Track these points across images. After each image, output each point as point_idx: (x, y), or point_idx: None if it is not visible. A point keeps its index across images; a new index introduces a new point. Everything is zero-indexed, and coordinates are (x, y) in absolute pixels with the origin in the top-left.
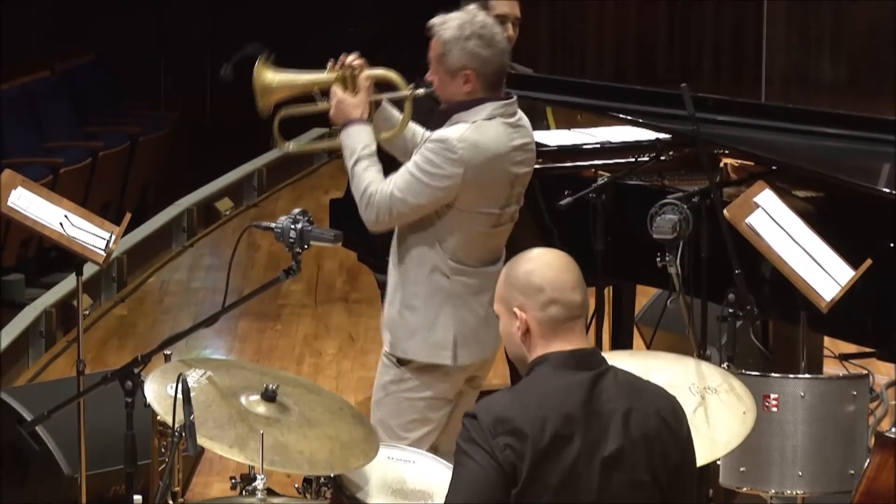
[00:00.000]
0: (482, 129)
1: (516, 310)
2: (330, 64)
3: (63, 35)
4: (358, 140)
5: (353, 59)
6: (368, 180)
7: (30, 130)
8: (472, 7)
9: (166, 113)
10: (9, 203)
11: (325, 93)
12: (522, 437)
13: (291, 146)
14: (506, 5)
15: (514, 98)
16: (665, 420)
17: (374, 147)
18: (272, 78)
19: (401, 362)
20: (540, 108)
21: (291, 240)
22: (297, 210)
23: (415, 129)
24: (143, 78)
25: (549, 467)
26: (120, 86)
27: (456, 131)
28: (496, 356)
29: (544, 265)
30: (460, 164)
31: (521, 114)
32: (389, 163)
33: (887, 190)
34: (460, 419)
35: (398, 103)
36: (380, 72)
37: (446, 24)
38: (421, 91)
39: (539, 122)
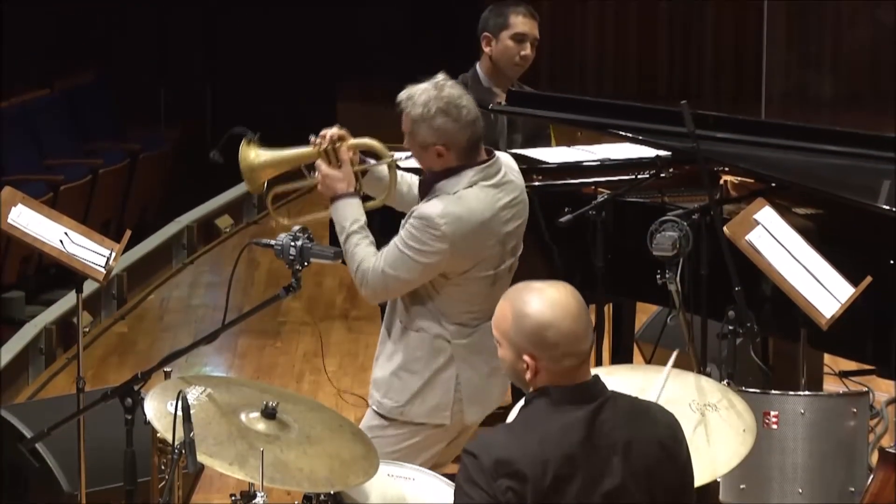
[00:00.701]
0: (464, 200)
1: (526, 357)
2: (312, 138)
3: (63, 53)
4: (345, 216)
5: (333, 132)
6: (360, 257)
7: (30, 148)
8: (440, 77)
9: (166, 130)
10: (9, 220)
11: (312, 167)
12: (524, 480)
13: (286, 221)
14: (526, 24)
15: (495, 157)
16: (665, 447)
17: (363, 220)
18: (257, 158)
19: (391, 416)
20: (543, 127)
21: (291, 257)
22: (297, 227)
23: (410, 182)
24: (143, 96)
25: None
26: (120, 103)
27: (437, 207)
28: None
29: (558, 318)
30: (445, 240)
31: (503, 170)
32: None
33: (887, 207)
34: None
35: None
36: (360, 141)
37: (413, 101)
38: (401, 156)
39: (544, 142)
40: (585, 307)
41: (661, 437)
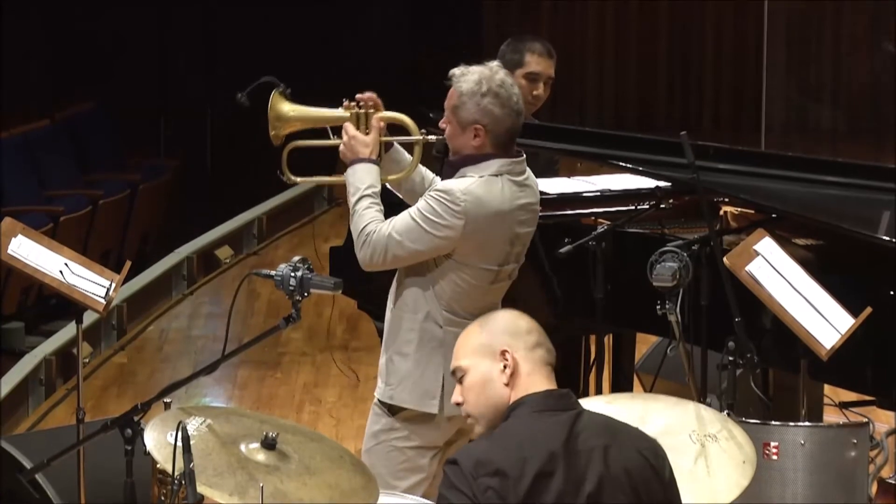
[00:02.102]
0: (488, 185)
1: (505, 350)
2: (346, 102)
3: (63, 83)
4: (363, 179)
5: (368, 96)
6: (368, 219)
7: (30, 178)
8: (494, 64)
9: (166, 161)
10: (9, 251)
11: (336, 130)
12: (504, 477)
13: (297, 179)
14: (541, 64)
15: (524, 157)
16: (646, 457)
17: (378, 188)
18: (288, 108)
19: (391, 411)
20: (548, 156)
21: (291, 287)
22: (296, 258)
23: (423, 173)
24: (143, 126)
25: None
26: (120, 134)
27: (461, 183)
28: None
29: (521, 315)
30: (462, 216)
31: (529, 172)
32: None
33: (887, 238)
34: None
35: (408, 147)
36: (393, 115)
37: (465, 77)
38: (432, 138)
39: (550, 169)
40: None
41: (640, 447)
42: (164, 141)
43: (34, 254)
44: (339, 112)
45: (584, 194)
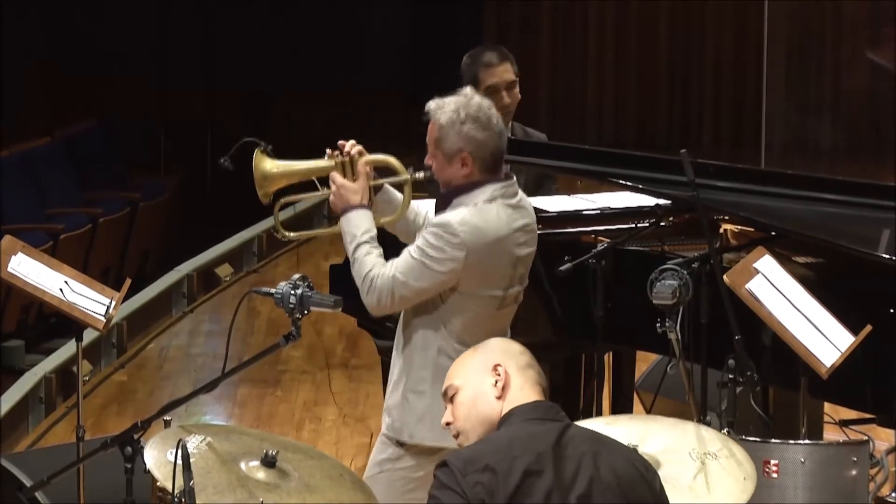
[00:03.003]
0: (483, 212)
1: (497, 364)
2: (328, 151)
3: (63, 101)
4: (358, 225)
5: (351, 145)
6: (370, 265)
7: (30, 196)
8: (467, 90)
9: (166, 179)
10: (9, 269)
11: (323, 180)
12: (492, 472)
13: (292, 234)
14: (494, 74)
15: (514, 179)
16: (636, 467)
17: (374, 232)
18: (271, 165)
19: (400, 442)
20: (540, 171)
21: (291, 305)
22: (296, 276)
23: (417, 210)
24: (143, 144)
25: (523, 502)
26: (120, 152)
27: (457, 215)
28: None
29: (514, 341)
30: (462, 248)
31: (521, 194)
32: (393, 244)
33: (887, 256)
34: None
35: (398, 187)
36: (379, 157)
37: (442, 108)
38: (420, 175)
39: (549, 186)
40: None
41: (630, 458)
42: (164, 159)
43: (34, 272)
44: (323, 162)
45: (584, 212)
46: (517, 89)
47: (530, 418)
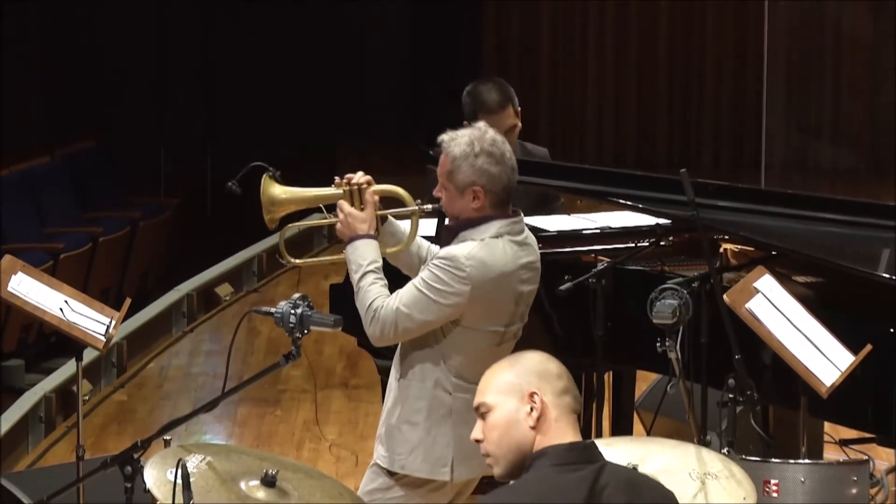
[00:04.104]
0: (490, 248)
1: (534, 392)
2: (337, 180)
3: (63, 121)
4: (364, 255)
5: (359, 176)
6: (374, 295)
7: (30, 216)
8: (481, 124)
9: (166, 198)
10: (9, 288)
11: (330, 208)
12: None
13: (298, 261)
14: (494, 123)
15: (521, 216)
16: None
17: (380, 262)
18: (280, 191)
19: (391, 473)
20: (545, 191)
21: (291, 325)
22: (297, 295)
23: (420, 243)
24: (143, 163)
25: None
26: (120, 171)
27: (464, 249)
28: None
29: (551, 357)
30: (468, 282)
31: (527, 231)
32: (395, 277)
33: (887, 275)
34: None
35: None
36: (387, 188)
37: (456, 141)
38: (428, 207)
39: (555, 202)
40: None
41: (667, 502)
42: (164, 178)
43: (34, 291)
44: (331, 190)
45: (584, 232)
46: (518, 129)
47: (563, 464)
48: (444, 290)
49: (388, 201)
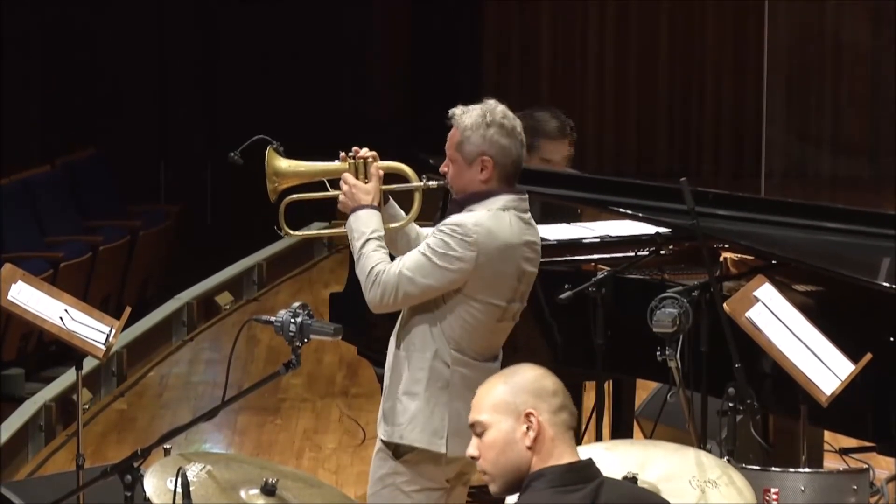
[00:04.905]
0: (497, 219)
1: (530, 413)
2: (342, 154)
3: (63, 130)
4: (367, 223)
5: (365, 151)
6: (376, 260)
7: (30, 225)
8: (491, 100)
9: (166, 207)
10: (9, 297)
11: (333, 183)
12: None
13: (296, 233)
14: (556, 151)
15: (527, 195)
16: None
17: (382, 233)
18: (285, 164)
19: (396, 454)
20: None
21: (291, 334)
22: (297, 304)
23: (419, 230)
24: (143, 172)
25: None
26: (120, 180)
27: (471, 217)
28: None
29: (547, 373)
30: (474, 248)
31: (530, 213)
32: None
33: (887, 284)
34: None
35: (409, 195)
36: (392, 164)
37: (467, 113)
38: (433, 184)
39: (572, 214)
40: None
41: None
42: (165, 187)
43: (34, 300)
44: (336, 164)
45: (585, 240)
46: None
47: (562, 485)
48: (450, 255)
49: (394, 178)
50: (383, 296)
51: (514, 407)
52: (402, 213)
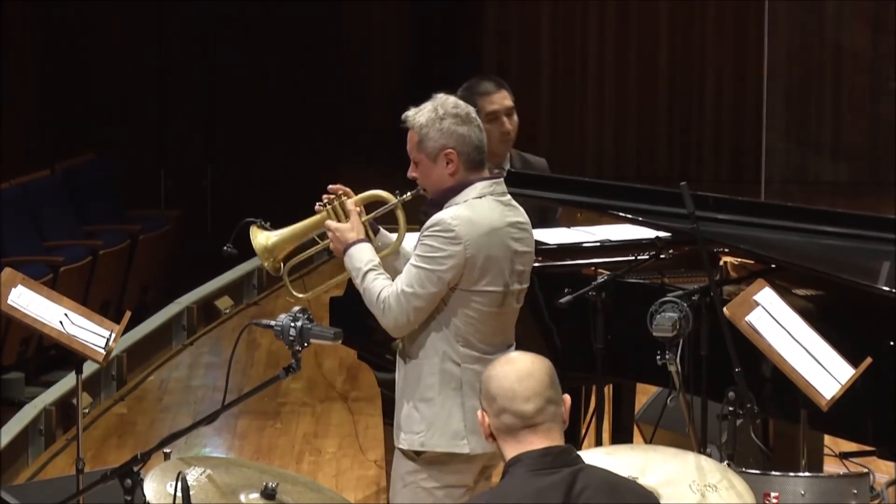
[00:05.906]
0: (473, 207)
1: (481, 413)
2: (317, 206)
3: (63, 134)
4: (360, 258)
5: (336, 187)
6: (380, 287)
7: (30, 229)
8: (440, 94)
9: (166, 211)
10: (9, 301)
11: (322, 235)
12: None
13: (305, 295)
14: (494, 101)
15: (502, 178)
16: None
17: (377, 261)
18: (268, 239)
19: (417, 453)
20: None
21: (291, 338)
22: (296, 308)
23: (408, 251)
24: (143, 176)
25: None
26: (120, 184)
27: (448, 212)
28: None
29: (504, 374)
30: (459, 241)
31: (509, 195)
32: None
33: (887, 288)
34: None
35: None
36: (365, 194)
37: (419, 112)
38: (408, 195)
39: (551, 215)
40: (543, 376)
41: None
42: (165, 191)
43: (34, 304)
44: (315, 217)
45: (585, 245)
46: (515, 115)
47: (538, 468)
48: (439, 256)
49: (373, 206)
50: (397, 319)
51: (485, 398)
52: (392, 237)
